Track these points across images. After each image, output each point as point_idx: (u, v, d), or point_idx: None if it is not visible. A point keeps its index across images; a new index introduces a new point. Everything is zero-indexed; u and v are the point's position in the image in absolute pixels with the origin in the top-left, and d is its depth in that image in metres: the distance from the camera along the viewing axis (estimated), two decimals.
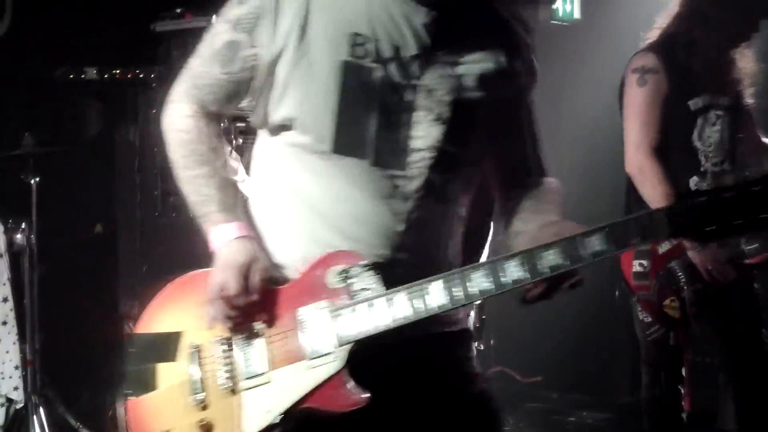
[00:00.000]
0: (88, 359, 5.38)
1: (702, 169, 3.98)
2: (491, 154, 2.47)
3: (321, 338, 2.26)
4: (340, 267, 2.28)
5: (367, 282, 2.26)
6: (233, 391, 2.32)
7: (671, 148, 3.95)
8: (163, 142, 2.45)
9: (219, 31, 2.39)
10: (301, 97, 2.30)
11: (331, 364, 2.25)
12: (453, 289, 2.19)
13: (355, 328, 2.24)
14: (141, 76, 5.13)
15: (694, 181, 3.97)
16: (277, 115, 2.34)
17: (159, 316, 2.45)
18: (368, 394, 2.22)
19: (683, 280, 3.93)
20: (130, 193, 5.05)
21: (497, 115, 2.39)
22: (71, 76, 5.19)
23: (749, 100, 4.05)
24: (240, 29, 2.35)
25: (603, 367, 5.86)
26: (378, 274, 2.26)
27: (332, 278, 2.28)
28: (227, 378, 2.33)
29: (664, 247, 3.95)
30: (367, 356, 2.24)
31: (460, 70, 2.33)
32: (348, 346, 2.24)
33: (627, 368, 4.33)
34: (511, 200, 2.46)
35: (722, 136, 3.98)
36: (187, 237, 4.61)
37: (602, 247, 2.14)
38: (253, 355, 2.32)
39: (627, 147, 4.01)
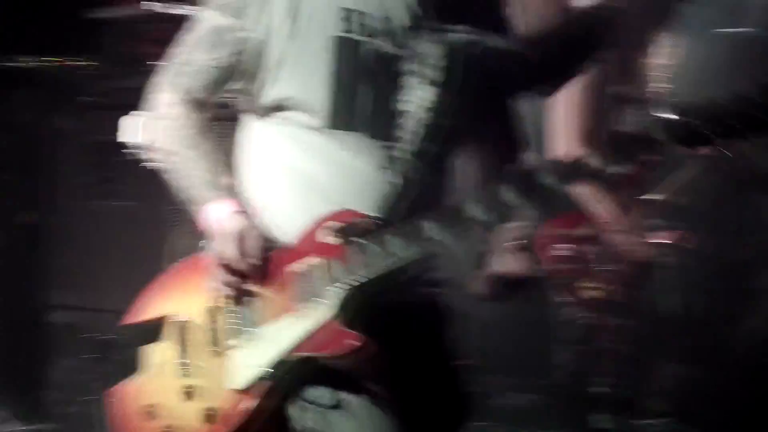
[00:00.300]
0: (15, 352, 5.41)
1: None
2: (477, 125, 2.57)
3: (311, 290, 2.34)
4: (335, 224, 2.36)
5: (363, 233, 2.34)
6: (219, 354, 2.43)
7: (599, 135, 4.11)
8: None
9: (205, 18, 2.48)
10: (295, 75, 2.39)
11: (322, 311, 2.32)
12: (448, 223, 2.27)
13: (349, 276, 2.31)
14: (77, 64, 5.18)
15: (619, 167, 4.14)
16: (270, 96, 2.43)
17: (147, 305, 2.60)
18: (362, 337, 2.29)
19: (601, 262, 4.12)
20: (63, 181, 5.09)
21: (484, 85, 2.51)
22: (5, 64, 5.22)
23: (656, 86, 4.24)
24: (228, 13, 2.43)
25: (531, 349, 6.01)
26: (374, 226, 2.34)
27: (326, 235, 2.36)
28: (213, 343, 2.44)
29: (581, 231, 4.12)
30: (361, 303, 2.33)
31: (450, 37, 2.44)
32: (340, 293, 2.32)
33: (554, 349, 4.48)
34: (490, 176, 2.53)
35: (640, 122, 4.15)
36: (120, 225, 4.77)
37: (599, 165, 2.23)
38: (240, 316, 2.42)
39: (557, 132, 4.16)
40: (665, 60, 4.24)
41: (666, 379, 5.58)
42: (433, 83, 2.41)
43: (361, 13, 2.38)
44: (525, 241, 2.46)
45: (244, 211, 2.45)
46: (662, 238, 4.26)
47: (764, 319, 4.81)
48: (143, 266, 4.34)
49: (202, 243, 2.55)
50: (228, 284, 2.39)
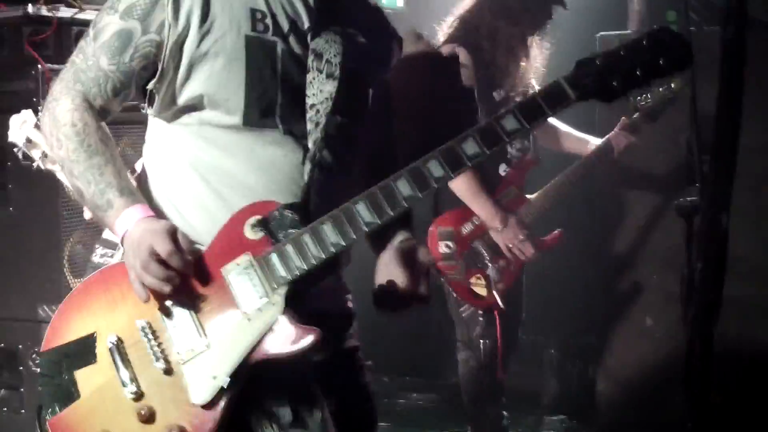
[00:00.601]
0: None
1: (508, 156, 4.31)
2: (368, 133, 2.64)
3: (253, 290, 2.34)
4: (255, 218, 2.37)
5: (287, 224, 2.36)
6: (169, 370, 2.37)
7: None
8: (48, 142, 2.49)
9: (106, 23, 2.47)
10: (209, 73, 2.42)
11: (271, 312, 2.33)
12: (380, 204, 2.32)
13: (289, 269, 2.34)
14: None
15: (502, 168, 4.28)
16: (184, 95, 2.46)
17: (65, 327, 2.48)
18: (317, 330, 2.31)
19: (487, 258, 4.24)
20: None
21: (373, 91, 2.62)
22: None
23: (537, 85, 4.38)
24: (132, 17, 2.44)
25: (431, 349, 6.09)
26: (295, 214, 2.37)
27: (250, 230, 2.37)
28: (159, 359, 2.37)
29: (467, 228, 4.25)
30: (301, 294, 2.37)
31: (346, 37, 2.52)
32: (284, 290, 2.34)
33: (453, 349, 4.58)
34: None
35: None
36: (12, 231, 4.71)
37: (515, 126, 2.30)
38: (182, 326, 2.38)
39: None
40: (540, 61, 4.37)
41: (557, 376, 5.75)
42: (330, 76, 2.49)
43: (269, 15, 2.46)
44: (412, 254, 2.56)
45: (159, 215, 2.46)
46: (542, 236, 4.40)
47: (643, 312, 5.00)
48: (38, 273, 4.37)
49: (97, 255, 2.53)
50: (167, 279, 2.31)
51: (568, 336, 5.91)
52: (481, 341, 4.32)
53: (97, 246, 3.87)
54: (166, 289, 2.33)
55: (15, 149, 3.80)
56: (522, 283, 4.50)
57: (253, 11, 2.44)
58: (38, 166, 3.69)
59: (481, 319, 4.31)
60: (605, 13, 5.24)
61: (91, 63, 2.48)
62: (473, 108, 4.15)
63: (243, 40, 2.42)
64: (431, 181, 2.32)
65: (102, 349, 2.42)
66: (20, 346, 4.40)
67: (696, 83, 2.69)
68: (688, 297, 2.50)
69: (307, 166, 2.47)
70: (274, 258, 2.35)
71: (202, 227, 2.46)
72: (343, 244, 2.33)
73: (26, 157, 3.76)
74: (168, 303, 2.38)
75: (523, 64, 4.30)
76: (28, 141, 3.72)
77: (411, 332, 5.98)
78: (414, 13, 6.29)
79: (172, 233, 2.34)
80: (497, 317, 4.27)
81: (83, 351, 2.43)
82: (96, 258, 3.85)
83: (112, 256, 3.74)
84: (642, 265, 5.05)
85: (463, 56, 4.18)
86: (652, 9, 4.78)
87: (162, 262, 2.31)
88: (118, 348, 2.40)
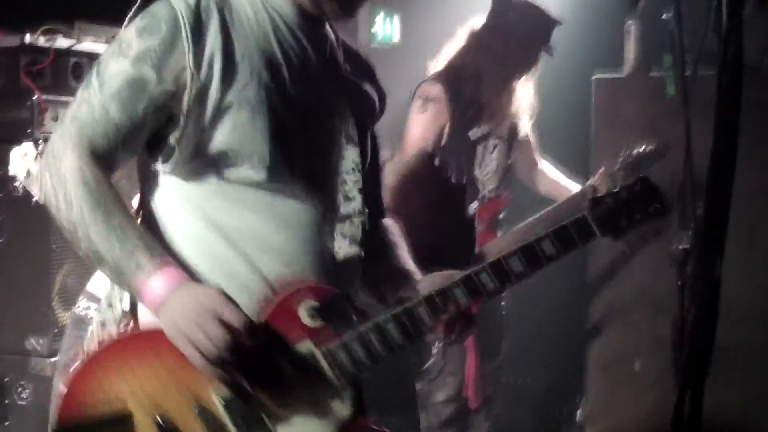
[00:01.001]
0: None
1: (480, 195, 4.31)
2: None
3: (321, 381, 2.24)
4: (312, 303, 2.25)
5: (345, 316, 2.27)
6: None
7: (453, 178, 4.24)
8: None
9: (114, 71, 2.26)
10: (233, 126, 2.24)
11: (344, 410, 2.25)
12: (438, 310, 2.31)
13: (356, 366, 2.25)
14: None
15: (473, 207, 4.28)
16: (209, 149, 2.27)
17: (91, 396, 2.23)
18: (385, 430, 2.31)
19: None
20: None
21: (371, 145, 2.58)
22: None
23: (527, 127, 4.39)
24: (145, 64, 2.23)
25: (419, 386, 6.08)
26: (350, 306, 2.30)
27: (306, 315, 2.24)
28: None
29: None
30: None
31: (353, 92, 2.49)
32: (354, 387, 2.25)
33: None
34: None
35: (498, 163, 4.32)
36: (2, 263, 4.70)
37: (552, 252, 2.34)
38: (249, 413, 2.22)
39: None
40: (527, 102, 4.40)
41: (544, 418, 5.74)
42: (350, 141, 2.44)
43: (288, 64, 2.33)
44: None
45: (193, 278, 2.26)
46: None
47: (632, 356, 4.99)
48: (27, 305, 4.35)
49: (80, 307, 2.43)
50: (244, 355, 2.14)
51: (555, 378, 5.90)
52: (449, 377, 4.35)
53: (81, 297, 3.84)
54: (239, 366, 2.15)
55: (16, 183, 3.80)
56: (502, 323, 4.51)
57: (270, 60, 2.30)
58: (37, 200, 3.69)
59: (438, 353, 4.32)
60: (600, 54, 5.27)
61: (98, 116, 2.24)
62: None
63: (264, 91, 2.26)
64: (485, 294, 2.34)
65: (146, 429, 2.21)
66: (7, 379, 4.39)
67: (690, 128, 2.70)
68: (679, 343, 2.52)
69: (341, 242, 2.39)
70: (342, 352, 2.25)
71: (233, 294, 2.22)
72: (407, 346, 2.30)
73: (26, 190, 3.76)
74: (233, 384, 2.19)
75: (507, 105, 4.33)
76: (28, 174, 3.72)
77: (397, 370, 5.97)
78: (409, 48, 6.33)
79: (230, 299, 2.18)
80: (468, 352, 4.29)
81: (119, 428, 2.21)
82: (78, 310, 3.82)
83: (88, 308, 3.71)
84: (633, 309, 5.04)
85: (437, 92, 4.22)
86: (647, 53, 4.81)
87: (238, 334, 2.14)
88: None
